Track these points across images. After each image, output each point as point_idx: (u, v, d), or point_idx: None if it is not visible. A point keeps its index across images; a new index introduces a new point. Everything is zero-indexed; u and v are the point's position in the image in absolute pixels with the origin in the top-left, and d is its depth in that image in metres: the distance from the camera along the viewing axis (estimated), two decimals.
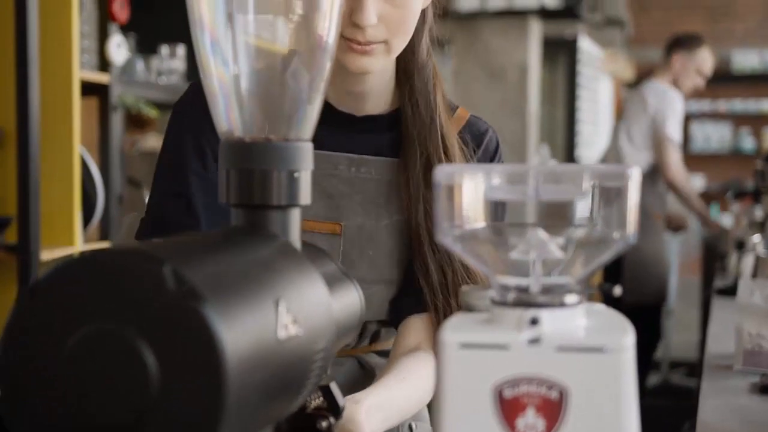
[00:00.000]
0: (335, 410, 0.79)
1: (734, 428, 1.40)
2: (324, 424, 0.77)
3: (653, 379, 5.25)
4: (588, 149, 7.44)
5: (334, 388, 0.80)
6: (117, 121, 2.64)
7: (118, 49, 2.61)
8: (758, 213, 4.05)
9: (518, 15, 5.27)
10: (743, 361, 1.81)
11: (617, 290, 0.68)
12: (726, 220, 5.35)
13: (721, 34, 9.80)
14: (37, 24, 2.36)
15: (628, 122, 4.32)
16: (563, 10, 5.45)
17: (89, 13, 2.60)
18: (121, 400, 0.55)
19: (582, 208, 0.67)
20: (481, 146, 1.29)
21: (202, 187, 1.20)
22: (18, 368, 0.58)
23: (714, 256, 4.54)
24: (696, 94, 8.91)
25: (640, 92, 4.42)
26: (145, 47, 2.95)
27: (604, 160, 4.59)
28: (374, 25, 1.14)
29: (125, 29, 2.74)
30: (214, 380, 0.55)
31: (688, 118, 9.80)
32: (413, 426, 1.24)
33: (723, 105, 9.72)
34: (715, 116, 9.79)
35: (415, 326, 1.21)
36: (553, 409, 0.62)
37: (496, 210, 0.69)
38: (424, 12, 1.25)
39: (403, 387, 1.12)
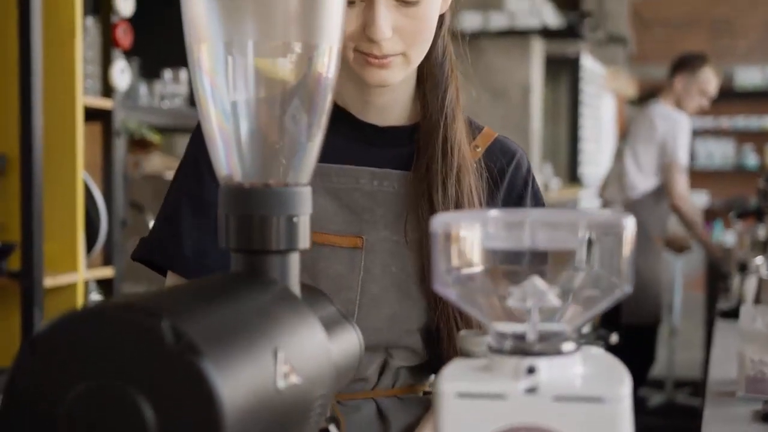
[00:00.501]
0: None
1: None
2: None
3: (657, 399, 5.24)
4: (591, 167, 7.44)
5: (333, 430, 0.80)
6: (120, 146, 2.65)
7: (122, 74, 2.62)
8: (761, 232, 4.05)
9: (520, 35, 5.29)
10: (746, 388, 1.81)
11: (614, 338, 0.68)
12: (729, 238, 5.35)
13: (723, 51, 9.83)
14: (41, 50, 2.37)
15: (634, 144, 4.32)
16: (565, 30, 5.47)
17: (93, 39, 2.62)
18: None
19: (578, 256, 0.67)
20: (509, 167, 1.25)
21: (193, 210, 1.19)
22: (18, 422, 0.58)
23: (717, 276, 4.53)
24: (698, 111, 8.95)
25: (646, 114, 4.42)
26: (149, 72, 2.97)
27: (608, 180, 4.59)
28: (389, 38, 1.11)
29: (128, 54, 2.75)
30: None
31: (691, 135, 9.81)
32: None
33: (726, 122, 9.74)
34: (718, 133, 9.81)
35: None
36: None
37: (493, 257, 0.70)
38: (441, 16, 1.22)
39: None
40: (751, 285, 2.85)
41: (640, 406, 5.04)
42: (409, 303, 1.18)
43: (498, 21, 5.23)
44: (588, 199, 6.93)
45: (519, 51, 5.34)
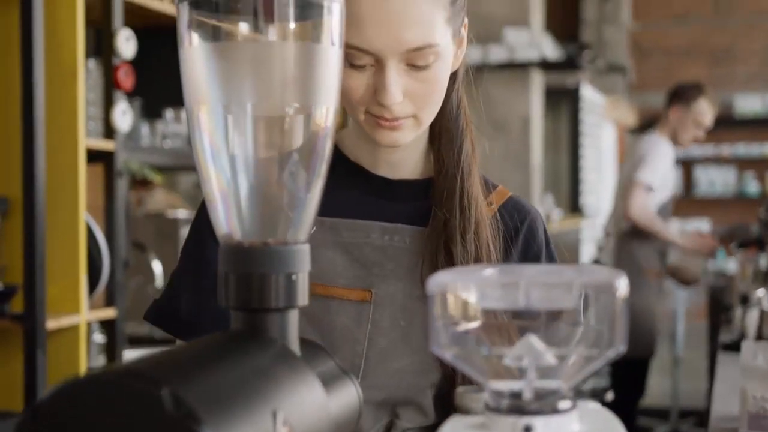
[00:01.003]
0: None
1: None
2: None
3: (662, 429, 5.22)
4: (592, 197, 7.46)
5: None
6: (122, 187, 2.66)
7: (123, 116, 2.64)
8: (763, 262, 4.05)
9: (520, 67, 5.32)
10: (748, 425, 1.81)
11: (609, 396, 0.69)
12: (731, 266, 5.35)
13: (722, 79, 9.87)
14: (43, 92, 2.39)
15: (624, 175, 4.38)
16: (564, 62, 5.50)
17: (95, 81, 2.64)
18: None
19: (573, 316, 0.68)
20: (523, 226, 1.24)
21: (193, 274, 1.20)
22: None
23: (719, 306, 4.53)
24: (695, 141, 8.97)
25: (637, 145, 4.48)
26: (150, 111, 2.99)
27: (614, 211, 4.61)
28: (400, 102, 1.11)
29: (130, 95, 2.78)
30: None
31: (692, 163, 9.84)
32: None
33: (726, 149, 9.77)
34: (718, 160, 9.83)
35: None
36: None
37: (489, 316, 0.70)
38: (454, 72, 1.22)
39: None
40: (753, 318, 2.85)
41: None
42: (417, 358, 1.17)
43: (497, 54, 5.26)
44: (590, 229, 6.94)
45: (518, 83, 5.37)
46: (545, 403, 0.67)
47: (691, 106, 4.21)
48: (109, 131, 2.65)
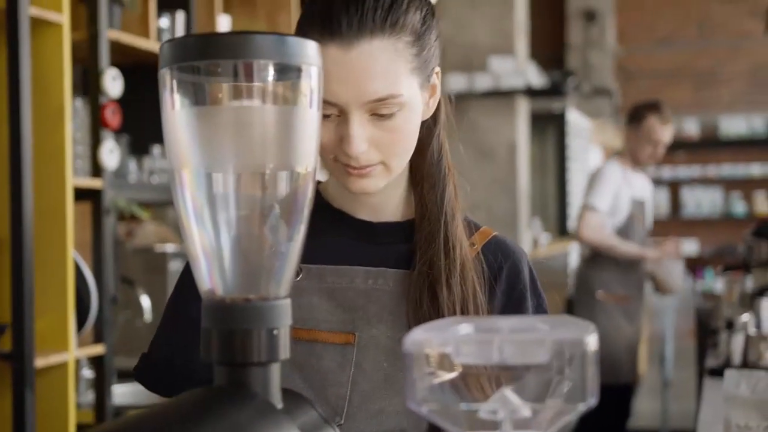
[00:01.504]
0: None
1: None
2: None
3: None
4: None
5: None
6: (109, 224, 2.68)
7: (111, 154, 2.66)
8: (749, 284, 4.08)
9: (505, 95, 5.37)
10: None
11: None
12: (719, 286, 5.38)
13: (707, 101, 9.95)
14: (30, 131, 2.41)
15: None
16: (549, 89, 5.55)
17: (82, 120, 2.66)
18: None
19: (546, 371, 0.70)
20: (506, 266, 1.25)
21: (172, 334, 1.23)
22: None
23: (707, 329, 4.55)
24: (685, 160, 8.97)
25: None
26: (137, 148, 3.01)
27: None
28: (366, 151, 1.12)
29: (117, 132, 2.80)
30: None
31: (679, 184, 9.91)
32: None
33: (713, 170, 9.83)
34: (705, 181, 9.89)
35: None
36: None
37: (464, 371, 0.72)
38: (436, 115, 1.24)
39: None
40: (738, 343, 2.87)
41: None
42: (399, 399, 1.18)
43: (483, 82, 5.31)
44: (578, 252, 6.97)
45: (504, 110, 5.42)
46: None
47: (642, 125, 4.21)
48: (96, 169, 2.66)
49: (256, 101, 0.82)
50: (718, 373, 2.94)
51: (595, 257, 4.21)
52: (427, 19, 1.17)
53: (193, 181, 0.79)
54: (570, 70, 7.25)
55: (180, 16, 3.12)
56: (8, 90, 2.39)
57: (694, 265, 9.59)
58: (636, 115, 4.26)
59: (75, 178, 2.56)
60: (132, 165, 2.93)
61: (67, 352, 2.51)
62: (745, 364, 2.72)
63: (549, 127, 6.85)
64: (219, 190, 0.78)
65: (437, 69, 1.21)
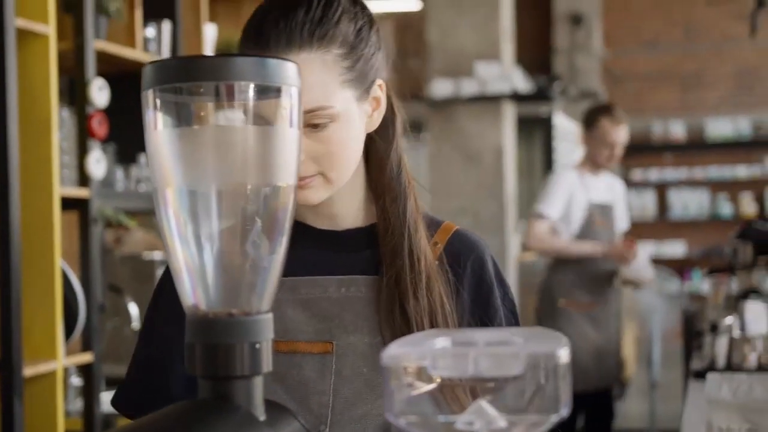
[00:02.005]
0: None
1: None
2: None
3: None
4: None
5: None
6: (97, 233, 2.70)
7: (98, 164, 2.68)
8: (734, 287, 4.11)
9: (491, 100, 5.40)
10: None
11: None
12: (705, 287, 5.41)
13: (693, 104, 10.01)
14: (17, 142, 2.42)
15: None
16: (535, 94, 5.58)
17: (69, 130, 2.68)
18: None
19: (521, 383, 0.73)
20: (470, 262, 1.27)
21: (149, 346, 1.25)
22: None
23: (692, 331, 4.58)
24: (672, 162, 8.99)
25: None
26: (124, 157, 3.03)
27: None
28: (302, 162, 1.13)
29: (104, 141, 2.81)
30: None
31: (666, 186, 9.96)
32: None
33: (699, 172, 9.88)
34: (692, 183, 9.94)
35: None
36: None
37: (441, 384, 0.75)
38: (394, 125, 1.25)
39: None
40: (722, 346, 2.88)
41: None
42: (380, 402, 1.19)
43: (469, 88, 5.33)
44: None
45: (490, 115, 5.45)
46: None
47: (596, 129, 4.18)
48: (83, 179, 2.68)
49: (237, 121, 0.84)
50: (702, 375, 2.97)
51: (557, 265, 4.16)
52: (363, 31, 1.17)
53: (176, 199, 0.81)
54: (556, 74, 7.29)
55: (166, 25, 3.14)
56: None
57: (681, 267, 9.63)
58: (589, 120, 4.24)
59: (62, 187, 2.58)
60: (119, 174, 2.94)
61: (55, 361, 2.52)
62: (729, 367, 2.73)
63: (536, 131, 6.89)
64: (202, 207, 0.81)
65: (380, 82, 1.22)
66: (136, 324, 2.99)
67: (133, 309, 3.02)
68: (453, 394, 0.75)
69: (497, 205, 5.52)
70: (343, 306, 1.22)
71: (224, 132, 0.83)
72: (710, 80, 9.98)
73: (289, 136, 0.82)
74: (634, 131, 10.05)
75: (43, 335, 2.50)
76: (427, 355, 0.72)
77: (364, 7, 1.19)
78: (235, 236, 0.82)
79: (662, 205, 10.04)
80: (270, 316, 0.82)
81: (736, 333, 2.94)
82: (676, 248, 9.93)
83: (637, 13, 10.01)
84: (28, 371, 2.43)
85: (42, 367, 2.47)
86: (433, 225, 1.28)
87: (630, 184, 9.97)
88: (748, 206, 9.74)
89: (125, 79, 2.90)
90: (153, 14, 3.10)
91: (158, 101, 0.80)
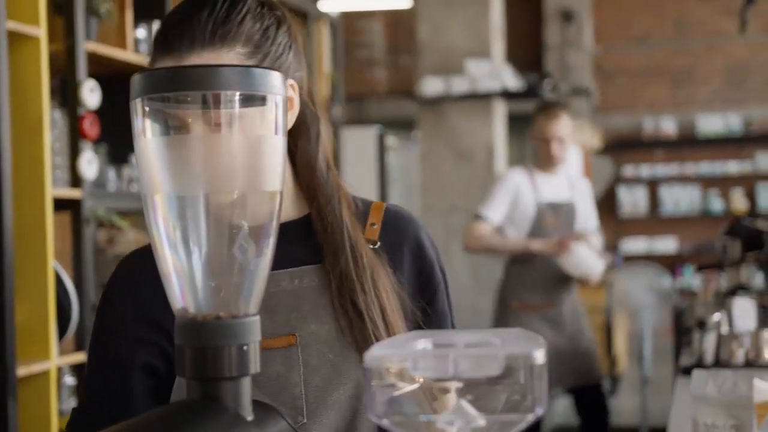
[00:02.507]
0: None
1: None
2: None
3: None
4: None
5: None
6: (89, 234, 2.71)
7: (89, 165, 2.70)
8: (723, 283, 4.14)
9: (482, 98, 5.42)
10: None
11: None
12: (696, 283, 5.45)
13: (684, 100, 10.04)
14: (10, 143, 2.44)
15: None
16: (525, 92, 5.61)
17: (60, 131, 2.69)
18: None
19: (499, 383, 0.75)
20: (406, 239, 1.30)
21: (102, 371, 1.24)
22: None
23: (682, 327, 4.60)
24: (663, 158, 8.99)
25: None
26: (116, 157, 3.04)
27: None
28: None
29: (96, 142, 2.83)
30: None
31: (657, 182, 9.99)
32: None
33: (690, 168, 9.90)
34: (683, 179, 9.96)
35: None
36: None
37: (422, 385, 0.77)
38: (317, 127, 1.27)
39: None
40: (710, 342, 2.90)
41: None
42: (350, 385, 1.23)
43: (460, 86, 5.36)
44: None
45: (481, 113, 5.47)
46: None
47: (534, 128, 4.17)
48: (75, 180, 2.70)
49: (224, 129, 0.87)
50: (690, 371, 2.99)
51: (510, 266, 4.13)
52: (270, 30, 1.18)
53: (165, 206, 0.83)
54: (547, 71, 7.31)
55: (156, 26, 3.15)
56: None
57: (672, 263, 9.67)
58: (531, 118, 4.25)
59: (54, 188, 2.60)
60: (111, 174, 2.96)
61: (48, 360, 2.54)
62: (718, 363, 2.76)
63: (527, 129, 6.89)
64: (190, 213, 0.83)
65: (291, 81, 1.22)
66: None
67: None
68: (434, 394, 0.77)
69: None
70: (299, 297, 1.24)
71: (211, 139, 0.86)
72: (701, 76, 10.01)
73: (274, 143, 0.84)
74: (625, 127, 10.14)
75: (37, 335, 2.52)
76: (408, 356, 0.75)
77: (272, 7, 1.20)
78: (223, 242, 0.84)
79: (653, 201, 10.07)
80: (257, 318, 0.84)
81: (724, 329, 2.96)
82: (667, 244, 9.96)
83: (628, 8, 10.04)
84: (22, 371, 2.45)
85: (35, 367, 2.49)
86: (364, 206, 1.32)
87: (621, 180, 10.01)
88: (739, 202, 9.78)
89: (116, 80, 2.91)
90: (143, 15, 3.12)
91: (147, 110, 0.83)
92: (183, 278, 0.84)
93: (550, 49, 9.65)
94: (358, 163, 6.11)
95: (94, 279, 2.79)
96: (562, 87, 8.03)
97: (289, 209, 1.29)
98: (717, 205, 9.88)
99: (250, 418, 0.83)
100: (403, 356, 0.75)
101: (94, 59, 2.78)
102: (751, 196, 9.86)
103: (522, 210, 4.04)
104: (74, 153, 2.70)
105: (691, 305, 4.52)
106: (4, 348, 2.38)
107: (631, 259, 9.18)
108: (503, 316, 4.08)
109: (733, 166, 9.81)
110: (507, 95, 5.51)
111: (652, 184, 10.05)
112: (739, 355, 2.71)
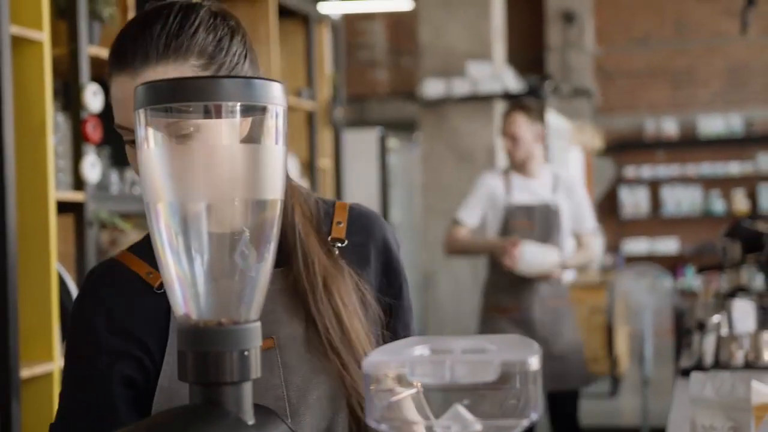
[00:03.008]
0: None
1: None
2: None
3: None
4: None
5: None
6: (92, 236, 2.73)
7: (92, 168, 2.71)
8: (723, 285, 4.15)
9: (483, 99, 5.44)
10: None
11: None
12: (697, 283, 5.46)
13: (685, 101, 10.06)
14: (13, 146, 2.46)
15: None
16: (526, 93, 5.63)
17: (63, 135, 2.71)
18: None
19: (495, 389, 0.77)
20: (372, 237, 1.31)
21: (80, 385, 1.23)
22: None
23: (683, 328, 4.61)
24: (664, 159, 8.99)
25: None
26: (119, 160, 3.06)
27: None
28: None
29: (99, 145, 2.85)
30: None
31: (659, 183, 10.01)
32: None
33: (692, 169, 9.93)
34: (684, 180, 9.99)
35: None
36: None
37: (419, 390, 0.79)
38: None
39: None
40: (709, 344, 2.91)
41: None
42: (330, 383, 1.24)
43: (461, 87, 5.38)
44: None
45: (482, 115, 5.49)
46: None
47: (501, 126, 4.16)
48: (78, 183, 2.71)
49: (225, 139, 0.88)
50: (690, 373, 2.99)
51: (489, 270, 4.13)
52: (224, 41, 1.18)
53: (168, 214, 0.85)
54: (548, 73, 7.33)
55: None
56: None
57: (674, 264, 9.69)
58: None
59: (57, 191, 2.61)
60: (114, 177, 2.98)
61: (52, 362, 2.56)
62: (717, 365, 2.76)
63: None
64: (192, 221, 0.85)
65: None
66: None
67: None
68: (430, 399, 0.79)
69: None
70: (272, 300, 1.23)
71: (212, 149, 0.88)
72: (702, 77, 10.03)
73: (274, 152, 0.86)
74: (626, 128, 10.16)
75: (40, 337, 2.54)
76: (406, 362, 0.76)
77: (225, 18, 1.20)
78: (224, 249, 0.86)
79: (655, 202, 10.09)
80: (258, 324, 0.86)
81: (724, 331, 2.97)
82: (669, 245, 9.98)
83: (629, 9, 10.06)
84: (25, 373, 2.46)
85: (38, 369, 2.51)
86: (328, 206, 1.32)
87: (622, 180, 10.03)
88: (741, 203, 9.80)
89: None
90: None
91: (150, 120, 0.84)
92: (185, 285, 0.85)
93: (551, 51, 9.67)
94: (359, 164, 6.12)
95: None
96: (563, 88, 8.05)
97: None
98: (718, 205, 9.90)
99: (251, 422, 0.85)
100: (400, 362, 0.77)
101: (96, 63, 2.80)
102: (752, 196, 9.88)
103: (493, 213, 4.03)
104: (77, 156, 2.71)
105: (691, 306, 4.53)
106: (8, 349, 2.40)
107: (633, 260, 9.20)
108: (482, 319, 4.09)
109: (734, 167, 9.84)
110: (508, 97, 5.52)
111: (654, 185, 10.07)
112: (739, 357, 2.72)
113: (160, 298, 1.18)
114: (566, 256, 4.07)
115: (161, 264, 0.86)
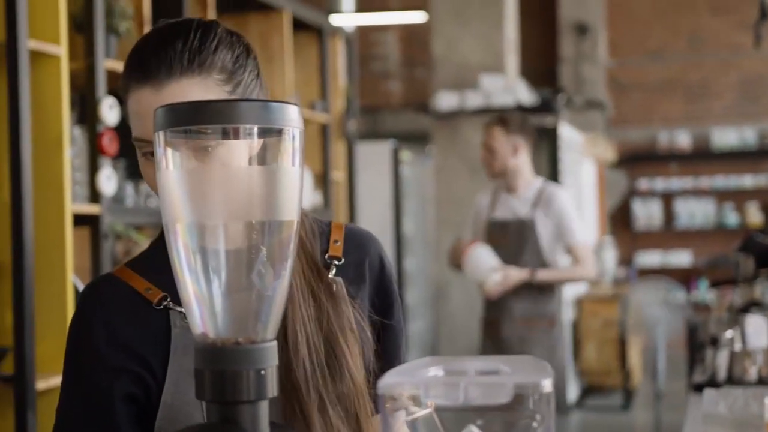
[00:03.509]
0: None
1: None
2: None
3: None
4: None
5: None
6: (108, 249, 2.75)
7: (108, 181, 2.74)
8: (737, 299, 4.13)
9: (496, 112, 5.45)
10: None
11: None
12: (710, 296, 5.45)
13: (699, 114, 10.04)
14: (30, 159, 2.48)
15: None
16: (539, 106, 5.63)
17: (80, 148, 2.73)
18: None
19: (508, 410, 0.77)
20: (367, 257, 1.32)
21: (82, 401, 1.22)
22: None
23: (695, 341, 4.60)
24: (678, 172, 8.97)
25: None
26: (134, 173, 3.08)
27: None
28: None
29: (114, 158, 2.87)
30: None
31: (672, 196, 10.00)
32: None
33: (705, 182, 9.91)
34: (698, 193, 9.97)
35: None
36: None
37: (433, 411, 0.80)
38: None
39: None
40: (722, 359, 2.91)
41: None
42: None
43: (474, 100, 5.39)
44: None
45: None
46: None
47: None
48: (94, 195, 2.74)
49: (243, 160, 0.90)
50: (703, 389, 2.99)
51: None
52: (241, 58, 1.20)
53: (186, 234, 0.86)
54: (561, 85, 7.33)
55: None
56: (8, 120, 2.46)
57: (687, 276, 9.66)
58: (539, 135, 4.25)
59: (74, 204, 2.63)
60: (129, 189, 3.00)
61: None
62: (731, 380, 2.76)
63: (541, 142, 6.90)
64: (210, 241, 0.86)
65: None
66: None
67: None
68: (444, 418, 0.79)
69: None
70: None
71: (231, 170, 0.89)
72: (715, 90, 10.02)
73: (291, 173, 0.87)
74: (639, 141, 10.14)
75: (56, 349, 2.55)
76: (420, 383, 0.77)
77: (239, 37, 1.22)
78: (242, 269, 0.87)
79: (668, 214, 10.07)
80: (274, 343, 0.87)
81: (737, 346, 2.96)
82: (682, 258, 9.96)
83: (642, 22, 10.06)
84: (41, 385, 2.48)
85: (54, 381, 2.52)
86: (324, 226, 1.32)
87: (636, 193, 10.01)
88: (754, 216, 9.77)
89: None
90: None
91: (169, 142, 0.86)
92: (203, 304, 0.86)
93: (565, 63, 9.67)
94: (372, 176, 6.13)
95: None
96: (576, 100, 8.05)
97: None
98: (732, 218, 9.88)
99: None
100: (415, 384, 0.78)
101: (113, 77, 2.82)
102: (766, 209, 9.85)
103: (475, 228, 4.07)
104: (93, 169, 2.74)
105: (704, 321, 4.51)
106: (24, 361, 2.41)
107: (646, 273, 9.18)
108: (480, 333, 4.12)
109: (747, 180, 9.81)
110: (521, 110, 5.53)
111: (667, 198, 10.06)
112: (752, 373, 2.71)
113: (159, 314, 1.19)
114: (540, 271, 3.94)
115: (179, 282, 0.87)
